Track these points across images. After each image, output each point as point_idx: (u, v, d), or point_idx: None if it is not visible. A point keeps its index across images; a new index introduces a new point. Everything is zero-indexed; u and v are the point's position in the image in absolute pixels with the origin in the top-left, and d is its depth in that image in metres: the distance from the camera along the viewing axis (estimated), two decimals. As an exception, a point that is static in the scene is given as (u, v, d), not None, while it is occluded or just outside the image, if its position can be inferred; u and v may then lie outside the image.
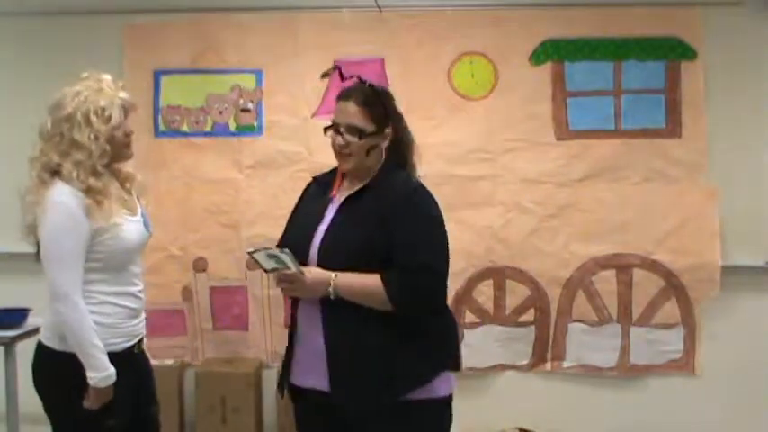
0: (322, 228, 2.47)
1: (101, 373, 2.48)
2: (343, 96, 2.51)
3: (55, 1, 4.28)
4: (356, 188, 2.50)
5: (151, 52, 4.29)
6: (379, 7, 4.14)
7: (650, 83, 4.16)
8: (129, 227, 2.62)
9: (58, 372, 2.56)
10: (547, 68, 4.20)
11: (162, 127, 4.31)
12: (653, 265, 4.17)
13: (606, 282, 4.19)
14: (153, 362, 2.98)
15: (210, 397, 4.17)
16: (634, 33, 4.16)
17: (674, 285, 4.15)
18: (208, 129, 4.30)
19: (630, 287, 4.18)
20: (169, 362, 4.25)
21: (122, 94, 2.62)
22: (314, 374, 2.43)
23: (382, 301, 2.37)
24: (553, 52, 4.19)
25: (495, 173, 4.21)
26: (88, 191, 2.50)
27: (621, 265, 4.18)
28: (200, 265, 4.30)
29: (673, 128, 4.16)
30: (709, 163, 4.14)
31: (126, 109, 2.63)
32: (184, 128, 4.30)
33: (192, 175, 4.30)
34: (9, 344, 3.59)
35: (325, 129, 2.54)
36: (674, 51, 4.15)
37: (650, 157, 4.16)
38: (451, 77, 4.21)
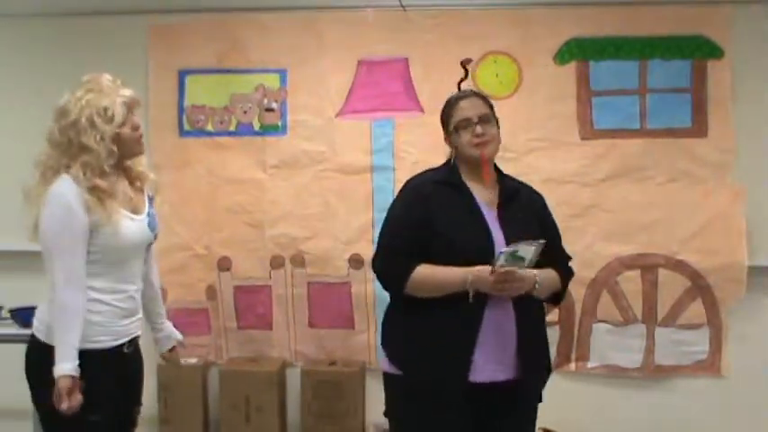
0: (497, 233, 2.60)
1: (57, 366, 2.45)
2: (464, 96, 2.77)
3: (80, 2, 4.30)
4: (497, 190, 2.73)
5: (176, 52, 4.32)
6: (403, 7, 4.14)
7: (676, 82, 4.13)
8: (130, 225, 2.63)
9: (41, 363, 2.52)
10: (571, 68, 4.18)
11: (186, 126, 4.33)
12: (678, 266, 4.13)
13: (631, 282, 4.16)
14: (182, 360, 3.00)
15: (234, 396, 4.18)
16: (659, 32, 4.13)
17: (699, 286, 4.12)
18: (232, 128, 4.31)
19: (656, 287, 4.15)
20: (193, 360, 4.26)
21: (123, 92, 2.62)
22: (501, 367, 2.58)
23: (555, 292, 2.75)
24: (578, 51, 4.16)
25: (520, 172, 4.08)
26: (93, 189, 2.52)
27: (647, 266, 4.15)
28: (224, 265, 4.31)
29: (699, 127, 4.13)
30: (735, 162, 4.11)
31: (129, 105, 2.62)
32: (209, 127, 4.32)
33: (216, 174, 4.32)
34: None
35: (453, 130, 2.72)
36: (700, 50, 4.11)
37: (676, 157, 4.13)
38: (476, 77, 4.19)
